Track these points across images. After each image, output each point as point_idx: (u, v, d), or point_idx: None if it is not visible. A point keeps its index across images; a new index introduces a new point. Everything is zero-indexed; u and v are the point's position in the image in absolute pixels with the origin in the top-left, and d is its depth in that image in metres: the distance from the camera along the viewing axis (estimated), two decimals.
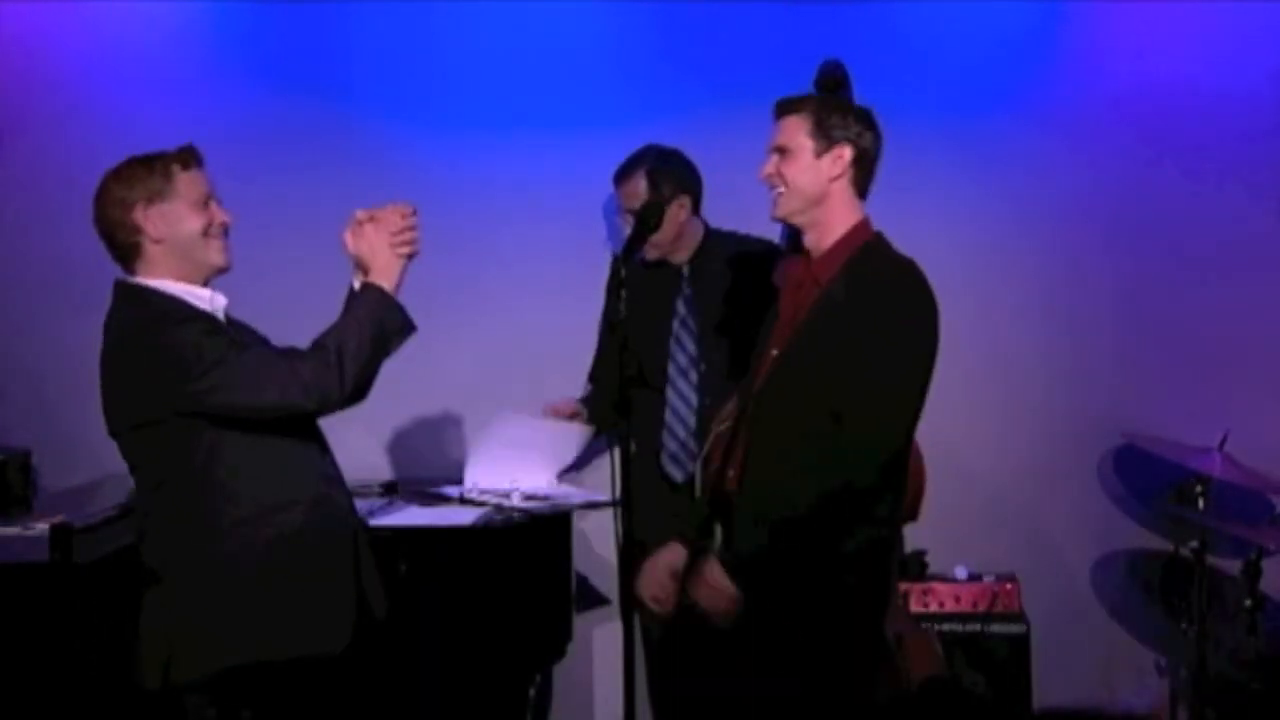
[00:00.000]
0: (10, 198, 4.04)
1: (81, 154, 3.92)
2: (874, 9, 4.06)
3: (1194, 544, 3.79)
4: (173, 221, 2.58)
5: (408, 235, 2.59)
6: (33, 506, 3.60)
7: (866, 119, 2.76)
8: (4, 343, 4.03)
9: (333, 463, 2.72)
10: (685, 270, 3.76)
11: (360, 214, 2.59)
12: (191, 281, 2.60)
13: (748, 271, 3.66)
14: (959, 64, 4.05)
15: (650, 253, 3.68)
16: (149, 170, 2.59)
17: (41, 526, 3.06)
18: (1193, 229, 4.08)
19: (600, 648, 4.06)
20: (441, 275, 3.96)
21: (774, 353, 2.78)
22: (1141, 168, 4.08)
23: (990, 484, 4.08)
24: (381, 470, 4.03)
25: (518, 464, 3.64)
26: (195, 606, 2.52)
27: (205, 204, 2.61)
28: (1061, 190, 4.09)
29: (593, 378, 3.93)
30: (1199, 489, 3.77)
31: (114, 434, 2.59)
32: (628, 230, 3.47)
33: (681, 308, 3.74)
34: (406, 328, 2.58)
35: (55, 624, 2.89)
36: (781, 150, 2.74)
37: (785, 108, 2.77)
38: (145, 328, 2.52)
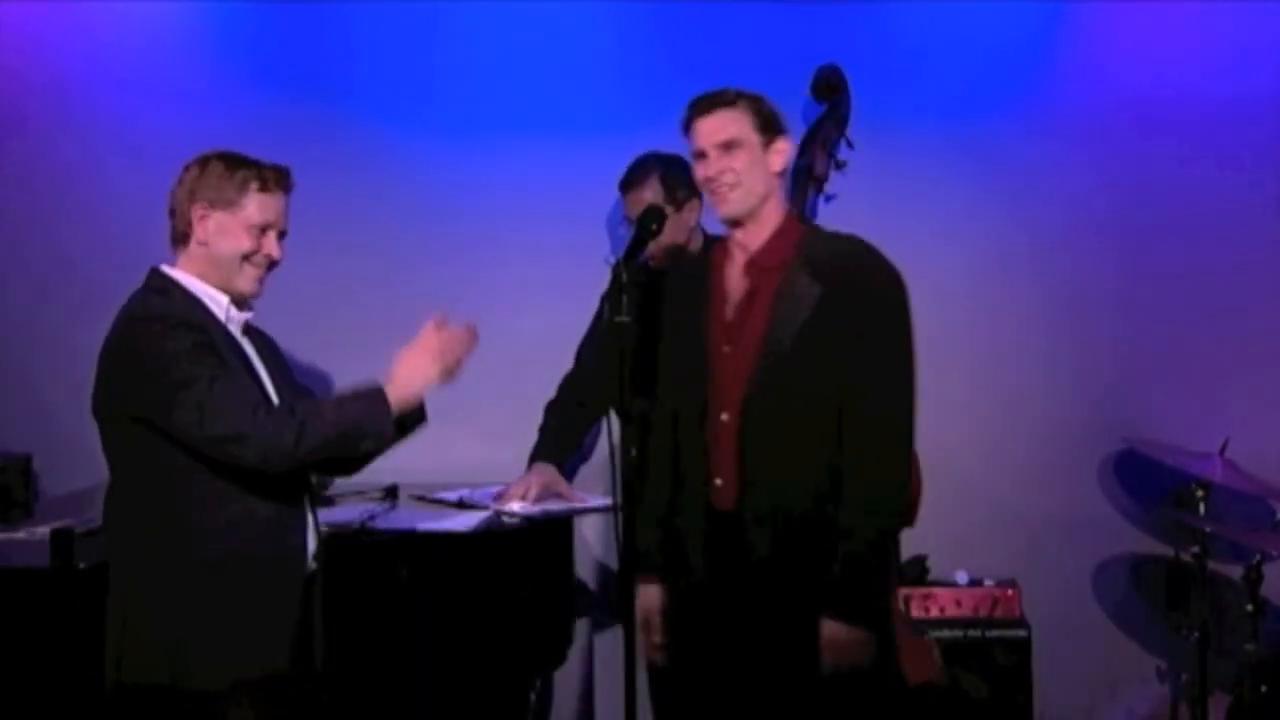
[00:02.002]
0: (11, 199, 4.03)
1: (81, 156, 3.95)
2: (873, 11, 4.05)
3: (1195, 549, 3.79)
4: (222, 234, 2.55)
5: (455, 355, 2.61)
6: (33, 511, 3.59)
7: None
8: (4, 344, 4.02)
9: (301, 503, 2.65)
10: None
11: (433, 322, 2.60)
12: (219, 288, 2.58)
13: None
14: (958, 67, 4.04)
15: (661, 258, 3.66)
16: (229, 176, 2.55)
17: (42, 531, 3.06)
18: (1193, 233, 4.07)
19: (601, 653, 4.04)
20: (441, 278, 3.97)
21: (726, 349, 2.74)
22: (1141, 171, 4.07)
23: (991, 489, 4.08)
24: (382, 474, 4.00)
25: None
26: (141, 608, 2.50)
27: (263, 232, 2.57)
28: (1061, 194, 4.08)
29: (556, 404, 3.77)
30: (1200, 494, 3.77)
31: (94, 417, 2.56)
32: None
33: None
34: (385, 435, 2.53)
35: (56, 628, 2.89)
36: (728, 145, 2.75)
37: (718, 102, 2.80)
38: (139, 322, 2.48)
